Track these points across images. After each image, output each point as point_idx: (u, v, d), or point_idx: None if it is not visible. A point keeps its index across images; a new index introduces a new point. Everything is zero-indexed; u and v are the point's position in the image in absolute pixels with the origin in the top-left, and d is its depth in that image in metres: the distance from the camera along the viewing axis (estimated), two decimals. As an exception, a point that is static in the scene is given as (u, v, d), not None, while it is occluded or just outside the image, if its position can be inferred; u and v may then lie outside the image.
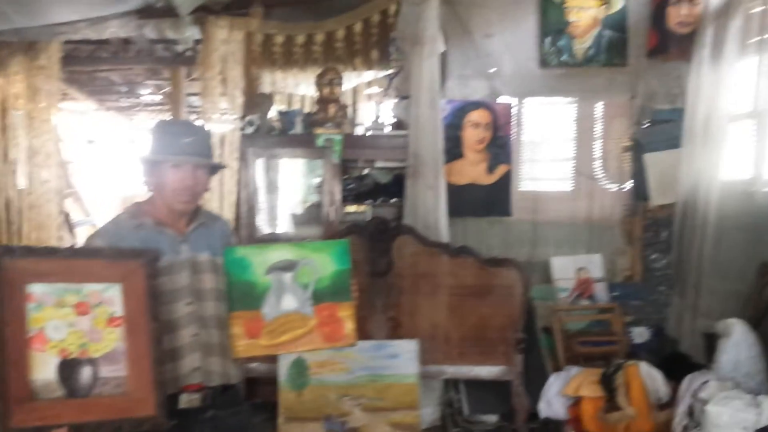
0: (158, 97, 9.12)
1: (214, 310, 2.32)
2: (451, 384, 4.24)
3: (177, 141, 2.29)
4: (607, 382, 3.58)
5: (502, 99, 4.69)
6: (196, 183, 2.32)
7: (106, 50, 6.57)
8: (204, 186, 2.38)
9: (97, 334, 1.96)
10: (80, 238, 7.54)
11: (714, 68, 4.23)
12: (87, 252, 2.22)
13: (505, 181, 4.67)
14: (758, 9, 3.93)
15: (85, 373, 1.93)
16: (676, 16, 4.49)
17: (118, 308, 2.00)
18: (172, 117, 6.67)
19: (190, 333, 2.27)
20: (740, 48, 4.05)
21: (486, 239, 4.75)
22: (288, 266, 2.25)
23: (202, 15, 4.71)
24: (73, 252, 2.38)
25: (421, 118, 4.30)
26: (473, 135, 4.61)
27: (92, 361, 1.94)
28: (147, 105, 9.84)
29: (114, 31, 4.97)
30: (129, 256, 2.05)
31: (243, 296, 2.21)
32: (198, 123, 2.55)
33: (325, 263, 2.32)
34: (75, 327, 1.93)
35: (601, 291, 4.60)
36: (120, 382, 1.96)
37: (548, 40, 4.60)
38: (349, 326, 2.35)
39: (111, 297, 1.99)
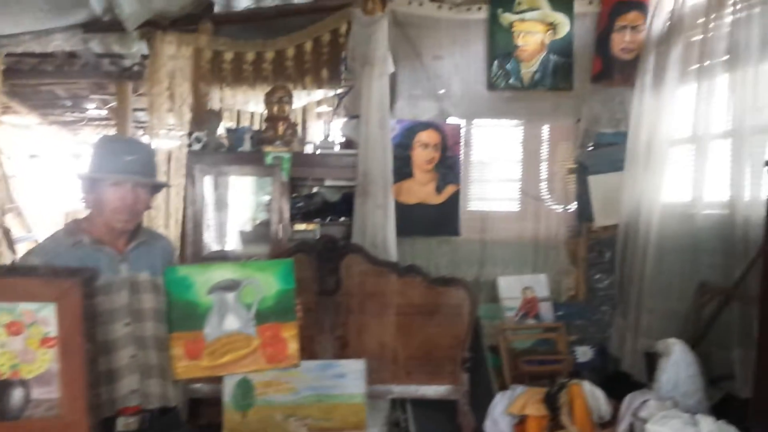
0: (104, 112, 8.96)
1: (153, 330, 2.27)
2: (398, 404, 4.23)
3: (118, 158, 2.24)
4: (551, 401, 3.62)
5: (451, 120, 4.74)
6: (137, 202, 2.28)
7: (51, 63, 6.45)
8: (145, 204, 2.34)
9: (29, 355, 1.90)
10: (21, 254, 7.32)
11: (656, 94, 4.36)
12: (21, 270, 2.16)
13: (454, 201, 4.71)
14: (698, 37, 4.07)
15: (17, 395, 1.87)
16: (620, 42, 4.63)
17: (52, 328, 1.94)
18: (115, 133, 6.54)
19: (127, 354, 2.22)
20: (681, 75, 4.19)
21: (434, 258, 4.78)
22: (231, 286, 2.22)
23: (149, 30, 4.65)
24: (6, 270, 2.30)
25: (370, 137, 4.32)
26: (422, 155, 4.65)
27: (24, 383, 1.89)
28: (92, 120, 9.66)
29: (59, 44, 4.87)
30: (64, 275, 2.00)
31: (184, 316, 2.17)
32: (142, 140, 2.50)
33: (269, 283, 2.30)
34: (7, 347, 1.88)
35: (546, 310, 4.67)
36: (53, 405, 1.91)
37: (496, 63, 4.67)
38: (292, 346, 2.33)
39: (45, 317, 1.94)
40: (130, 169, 2.25)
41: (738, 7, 3.71)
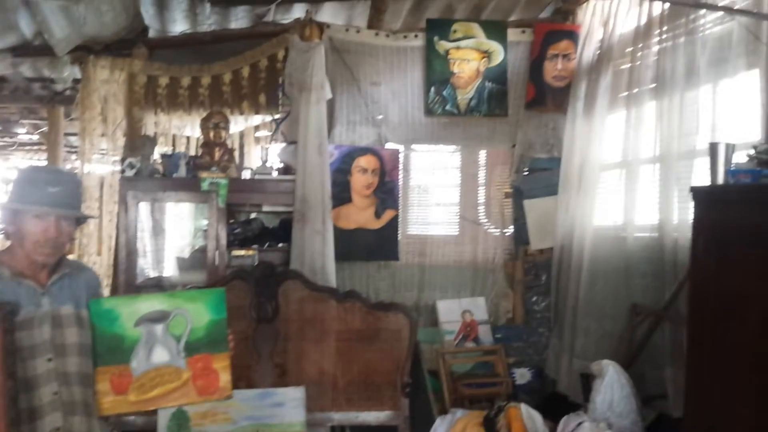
0: (35, 137, 8.72)
1: (77, 366, 2.18)
2: (338, 431, 4.18)
3: (42, 190, 2.16)
4: (489, 425, 3.64)
5: (390, 145, 4.77)
6: (60, 234, 2.18)
7: (-21, 87, 6.25)
8: (68, 237, 2.25)
9: (-54, 393, 1.81)
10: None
11: (587, 120, 4.48)
12: (-63, 305, 2.05)
13: (393, 226, 4.73)
14: (626, 66, 4.21)
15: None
16: (552, 70, 4.76)
17: (-31, 365, 1.85)
18: (39, 163, 6.33)
19: (50, 391, 2.12)
20: (611, 102, 4.32)
21: (374, 283, 4.78)
22: (159, 317, 2.16)
23: (81, 54, 4.56)
24: None
25: (308, 163, 4.31)
26: (361, 180, 4.65)
27: (-60, 423, 1.79)
28: (23, 145, 9.38)
29: (-13, 68, 4.73)
30: (-17, 310, 1.92)
31: (110, 350, 2.10)
32: (67, 170, 2.42)
33: (199, 313, 2.24)
34: None
35: (485, 333, 4.71)
36: (-29, 445, 1.82)
37: (433, 89, 4.73)
38: (224, 378, 2.27)
39: (-38, 354, 1.85)
40: (54, 201, 2.17)
41: (664, 36, 3.86)
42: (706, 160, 2.99)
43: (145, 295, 2.28)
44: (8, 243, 2.24)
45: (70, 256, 4.46)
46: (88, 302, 2.15)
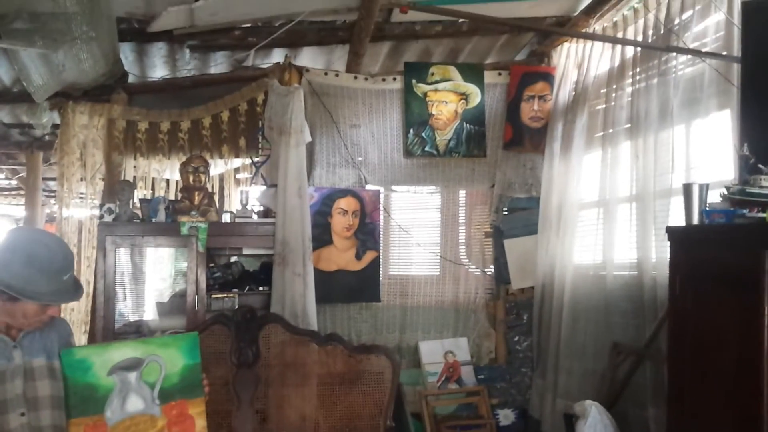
0: (14, 182, 8.66)
1: (50, 419, 2.13)
2: (321, 478, 4.11)
3: (56, 280, 2.09)
4: (474, 468, 3.60)
5: (370, 187, 4.79)
6: (55, 309, 2.18)
7: (-43, 133, 6.23)
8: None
9: None
10: None
11: (564, 160, 4.54)
12: None
13: (374, 267, 4.73)
14: (602, 106, 4.28)
15: None
16: (529, 111, 4.83)
17: (-62, 422, 1.80)
18: (38, 231, 6.20)
19: None
20: (587, 142, 4.39)
21: (355, 325, 4.76)
22: (133, 365, 2.13)
23: (60, 100, 4.57)
24: None
25: (288, 205, 4.31)
26: (341, 222, 4.66)
27: None
28: (1, 190, 9.32)
29: (-35, 115, 4.72)
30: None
31: (83, 400, 2.06)
32: (61, 240, 2.35)
33: (173, 359, 2.22)
34: None
35: (468, 374, 4.68)
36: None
37: (412, 131, 4.78)
38: (200, 424, 2.24)
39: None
40: (64, 289, 2.12)
41: (637, 78, 3.94)
42: (682, 199, 3.03)
43: (117, 343, 2.25)
44: None
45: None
46: (60, 353, 2.11)
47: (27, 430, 2.09)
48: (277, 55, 4.86)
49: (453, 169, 4.90)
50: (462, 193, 5.04)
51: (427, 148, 4.80)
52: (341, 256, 4.67)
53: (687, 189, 2.90)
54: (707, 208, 2.80)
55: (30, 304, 2.09)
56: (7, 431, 2.05)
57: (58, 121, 4.79)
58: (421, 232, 4.97)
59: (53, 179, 6.97)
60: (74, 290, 2.19)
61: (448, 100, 4.81)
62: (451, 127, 4.82)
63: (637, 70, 3.94)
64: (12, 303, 2.10)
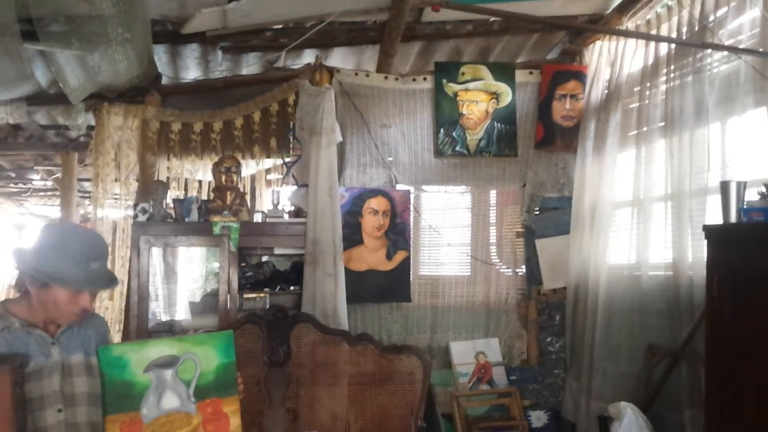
0: (49, 183, 8.82)
1: (87, 416, 2.17)
2: (352, 478, 4.11)
3: (85, 267, 2.13)
4: (506, 470, 3.57)
5: (400, 187, 4.79)
6: (89, 304, 2.20)
7: (-6, 136, 6.36)
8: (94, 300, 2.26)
9: (-45, 448, 1.79)
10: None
11: (597, 159, 4.49)
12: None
13: (405, 267, 4.71)
14: (635, 105, 4.23)
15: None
16: (561, 110, 4.79)
17: (-21, 420, 1.84)
18: (73, 224, 6.34)
19: None
20: (620, 141, 4.33)
21: (386, 325, 4.75)
22: (169, 362, 2.14)
23: (95, 102, 4.63)
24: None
25: (319, 205, 4.32)
26: (372, 221, 4.66)
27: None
28: (37, 190, 9.49)
29: (2, 117, 4.82)
30: (-7, 363, 1.90)
31: (120, 397, 2.08)
32: (96, 233, 2.40)
33: (208, 357, 2.23)
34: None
35: (499, 375, 4.64)
36: (-20, 499, 1.79)
37: (442, 131, 4.76)
38: (234, 422, 2.25)
39: (-30, 409, 1.83)
40: (95, 278, 2.15)
41: (672, 75, 3.88)
42: (718, 198, 2.98)
43: (154, 341, 2.27)
44: (17, 294, 2.23)
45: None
46: (97, 349, 2.13)
47: (63, 427, 2.12)
48: (308, 56, 4.88)
49: (484, 168, 4.87)
50: (493, 193, 5.01)
51: (457, 148, 4.78)
52: (372, 256, 4.67)
53: (724, 187, 2.86)
54: (745, 206, 2.75)
55: (60, 291, 2.13)
56: (44, 427, 2.08)
57: (93, 123, 4.86)
58: (451, 232, 4.95)
59: (88, 180, 7.08)
60: (105, 280, 2.21)
61: (478, 100, 4.79)
62: (482, 127, 4.80)
63: (672, 67, 3.89)
64: (44, 291, 2.14)
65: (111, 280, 2.25)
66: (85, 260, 2.14)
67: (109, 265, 2.34)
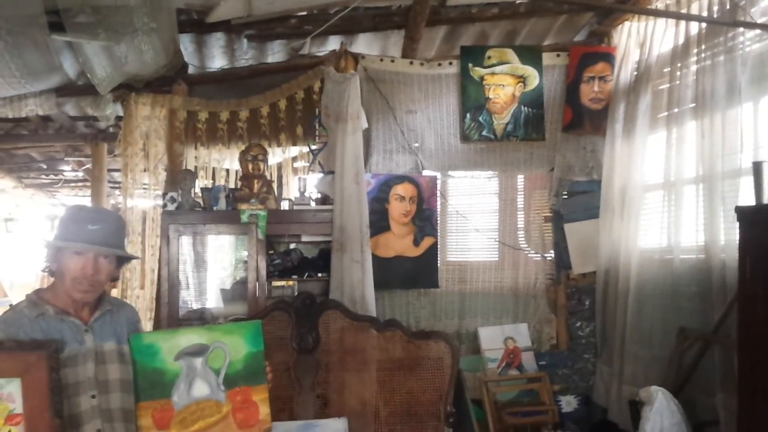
0: (80, 174, 8.93)
1: (120, 402, 2.20)
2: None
3: (82, 228, 2.20)
4: (536, 455, 3.56)
5: (427, 172, 4.77)
6: (98, 272, 2.22)
7: (26, 128, 6.45)
8: (107, 275, 2.27)
9: (-6, 434, 1.84)
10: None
11: (627, 142, 4.42)
12: (-17, 345, 2.08)
13: (432, 253, 4.70)
14: (665, 86, 4.16)
15: (-19, 476, 1.79)
16: (589, 93, 4.72)
17: (17, 405, 1.88)
18: (84, 201, 6.48)
19: (94, 428, 2.14)
20: (650, 122, 4.26)
21: (414, 311, 4.76)
22: (198, 351, 2.17)
23: (123, 92, 4.68)
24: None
25: (345, 192, 4.32)
26: (399, 208, 4.65)
27: (-11, 462, 1.81)
28: (68, 181, 9.62)
29: (32, 108, 4.87)
30: (29, 348, 1.94)
31: (151, 384, 2.11)
32: (110, 210, 2.48)
33: (237, 346, 2.25)
34: (-30, 427, 1.81)
35: (529, 360, 4.63)
36: (20, 483, 1.83)
37: (469, 116, 4.73)
38: (264, 410, 2.27)
39: (10, 393, 1.88)
40: (93, 239, 2.21)
41: (703, 55, 3.81)
42: (751, 179, 2.92)
43: (183, 329, 2.30)
44: (52, 280, 2.29)
45: (114, 291, 4.56)
46: (129, 337, 2.17)
47: (97, 412, 2.16)
48: (333, 43, 4.87)
49: (511, 153, 4.83)
50: (520, 178, 4.97)
51: (484, 133, 4.74)
52: (399, 242, 4.66)
53: (757, 167, 2.81)
54: (779, 188, 2.70)
55: (68, 259, 2.20)
56: (78, 413, 2.12)
57: (121, 113, 4.90)
58: (478, 217, 4.92)
59: (118, 170, 7.17)
60: (105, 243, 2.24)
61: (505, 84, 4.74)
62: (509, 111, 4.75)
63: (703, 47, 3.81)
64: (58, 265, 2.23)
65: (113, 246, 2.28)
66: (83, 222, 2.22)
67: (124, 241, 2.43)
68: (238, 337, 2.27)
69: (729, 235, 3.46)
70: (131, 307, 2.53)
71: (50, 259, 2.25)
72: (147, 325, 4.67)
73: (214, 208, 4.38)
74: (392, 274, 4.61)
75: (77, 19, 3.82)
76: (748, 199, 3.16)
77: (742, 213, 2.82)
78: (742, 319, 2.82)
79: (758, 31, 3.35)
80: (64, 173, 9.19)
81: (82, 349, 2.18)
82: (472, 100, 4.74)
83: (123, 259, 2.38)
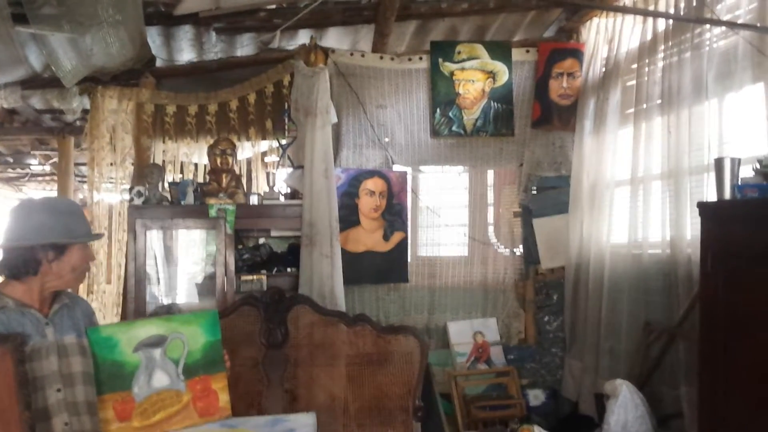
0: (47, 167, 8.81)
1: (84, 395, 2.17)
2: (350, 457, 4.13)
3: (85, 222, 2.22)
4: (503, 448, 3.59)
5: (397, 167, 4.77)
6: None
7: (-9, 120, 6.34)
8: None
9: (-37, 430, 1.80)
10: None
11: (596, 138, 4.46)
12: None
13: (402, 248, 4.71)
14: (633, 82, 4.20)
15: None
16: (558, 89, 4.75)
17: (-16, 399, 1.84)
18: (43, 194, 6.35)
19: (61, 422, 2.10)
20: (619, 118, 4.30)
21: (383, 306, 4.76)
22: (157, 342, 2.17)
23: (89, 85, 4.62)
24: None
25: (315, 187, 4.31)
26: (369, 203, 4.65)
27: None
28: (35, 175, 9.49)
29: (-2, 101, 4.80)
30: (-7, 342, 1.91)
31: (111, 377, 2.11)
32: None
33: (195, 336, 2.26)
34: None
35: (497, 354, 4.65)
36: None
37: (439, 111, 4.74)
38: (223, 398, 2.29)
39: (-24, 388, 1.84)
40: (88, 229, 2.25)
41: (670, 52, 3.84)
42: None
43: (141, 321, 2.31)
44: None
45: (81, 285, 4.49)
46: (87, 331, 2.15)
47: (63, 406, 2.13)
48: (303, 37, 4.85)
49: (481, 148, 4.85)
50: (490, 173, 5.00)
51: (454, 128, 4.76)
52: (369, 237, 4.66)
53: (719, 164, 2.84)
54: (740, 183, 2.73)
55: (75, 251, 2.19)
56: (46, 407, 2.09)
57: (87, 106, 4.84)
58: (449, 212, 4.94)
59: (84, 164, 7.08)
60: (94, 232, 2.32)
61: (475, 79, 4.76)
62: (479, 106, 4.77)
63: (670, 44, 3.85)
64: (58, 261, 2.18)
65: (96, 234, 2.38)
66: (82, 217, 2.23)
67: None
68: (196, 327, 2.27)
69: (695, 231, 3.48)
70: (85, 300, 2.50)
71: (51, 259, 2.18)
72: (114, 320, 4.61)
73: (182, 203, 4.34)
74: (362, 268, 4.60)
75: (42, 10, 3.76)
76: (713, 195, 3.19)
77: (704, 208, 2.85)
78: (702, 314, 2.85)
79: (724, 28, 3.38)
80: (31, 167, 9.06)
81: (45, 343, 2.14)
82: (442, 96, 4.74)
83: None
